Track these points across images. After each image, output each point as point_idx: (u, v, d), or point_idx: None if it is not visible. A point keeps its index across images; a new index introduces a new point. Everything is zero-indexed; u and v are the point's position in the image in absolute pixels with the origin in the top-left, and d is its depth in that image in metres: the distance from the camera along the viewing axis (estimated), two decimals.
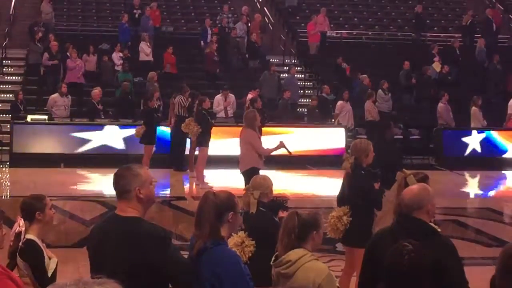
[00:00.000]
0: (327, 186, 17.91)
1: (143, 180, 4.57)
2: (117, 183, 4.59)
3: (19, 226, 5.65)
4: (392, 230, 4.93)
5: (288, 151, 12.78)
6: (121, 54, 23.27)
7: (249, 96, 19.82)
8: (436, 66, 24.53)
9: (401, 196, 5.05)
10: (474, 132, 21.46)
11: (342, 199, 8.43)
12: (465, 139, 21.34)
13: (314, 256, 4.86)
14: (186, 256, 4.77)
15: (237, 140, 12.84)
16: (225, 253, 4.67)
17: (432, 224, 4.99)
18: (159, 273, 4.39)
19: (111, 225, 4.61)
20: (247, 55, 25.22)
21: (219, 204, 4.67)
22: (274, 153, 12.96)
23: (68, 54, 22.23)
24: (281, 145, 12.44)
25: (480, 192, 18.98)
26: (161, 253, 4.40)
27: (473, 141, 21.34)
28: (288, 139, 16.83)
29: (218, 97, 20.89)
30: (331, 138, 20.73)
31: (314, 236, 4.91)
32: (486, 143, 21.38)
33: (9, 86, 23.50)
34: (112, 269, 4.34)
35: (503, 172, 20.47)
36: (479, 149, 21.32)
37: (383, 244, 4.61)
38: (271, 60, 25.29)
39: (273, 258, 4.97)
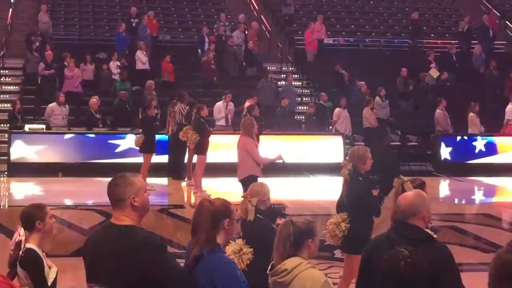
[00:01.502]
0: (325, 193, 17.92)
1: (137, 188, 4.56)
2: (112, 191, 4.58)
3: (19, 235, 5.65)
4: (388, 236, 4.94)
5: (283, 160, 12.81)
6: (118, 63, 23.30)
7: (247, 103, 19.84)
8: (434, 72, 24.57)
9: (396, 203, 5.07)
10: (472, 138, 21.50)
11: (341, 206, 8.43)
12: (462, 145, 21.37)
13: (310, 264, 4.86)
14: (182, 264, 4.78)
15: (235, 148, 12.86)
16: (221, 260, 4.67)
17: (428, 231, 5.00)
18: (154, 281, 4.39)
19: (106, 234, 4.60)
20: (244, 63, 25.24)
21: (215, 211, 4.68)
22: None
23: (65, 63, 22.24)
24: (279, 157, 12.46)
25: (478, 198, 18.99)
26: (157, 261, 4.39)
27: (471, 147, 21.37)
28: (286, 147, 16.87)
29: (219, 104, 20.87)
30: (328, 145, 20.75)
31: (309, 244, 4.90)
32: (483, 149, 21.41)
33: (7, 96, 23.52)
34: (108, 278, 4.36)
35: (500, 178, 20.47)
36: (476, 155, 21.35)
37: (379, 250, 4.62)
38: (268, 67, 25.32)
39: (269, 267, 4.97)
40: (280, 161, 12.70)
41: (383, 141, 14.29)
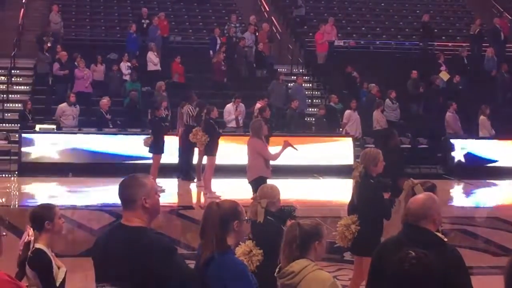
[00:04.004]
0: (334, 195, 17.92)
1: (148, 189, 4.54)
2: (123, 192, 4.55)
3: (28, 236, 5.65)
4: (399, 239, 4.92)
5: (294, 148, 12.82)
6: (129, 64, 23.33)
7: (258, 105, 19.84)
8: (444, 75, 24.52)
9: (407, 206, 5.04)
10: (483, 141, 21.43)
11: (352, 207, 8.41)
12: (473, 149, 21.31)
13: (317, 266, 4.84)
14: (192, 266, 4.77)
15: (245, 149, 12.85)
16: (232, 262, 4.66)
17: (438, 234, 4.98)
18: (164, 283, 4.37)
19: (116, 235, 4.58)
20: (254, 65, 25.23)
21: (223, 214, 4.67)
22: (282, 161, 13.00)
23: (76, 63, 22.29)
24: (286, 144, 12.47)
25: (488, 201, 18.92)
26: (166, 263, 4.37)
27: (481, 150, 21.32)
28: (295, 144, 16.82)
29: (229, 106, 20.88)
30: (338, 147, 20.72)
31: (316, 247, 4.88)
32: (494, 152, 21.35)
33: (18, 96, 23.57)
34: (117, 279, 4.34)
35: (511, 181, 20.40)
36: (487, 158, 21.29)
37: (389, 253, 4.59)
38: (278, 69, 25.30)
39: (276, 269, 4.95)
40: (292, 151, 12.73)
41: (389, 143, 14.24)
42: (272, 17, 28.93)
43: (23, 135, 19.18)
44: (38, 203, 6.02)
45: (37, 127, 19.60)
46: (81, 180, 18.39)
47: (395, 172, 12.73)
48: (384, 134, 17.42)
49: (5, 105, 23.05)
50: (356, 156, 18.78)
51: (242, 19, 27.86)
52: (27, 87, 24.17)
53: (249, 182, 12.34)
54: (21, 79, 24.78)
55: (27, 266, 5.59)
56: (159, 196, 4.67)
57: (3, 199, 16.48)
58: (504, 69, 25.05)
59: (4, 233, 4.54)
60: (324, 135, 21.07)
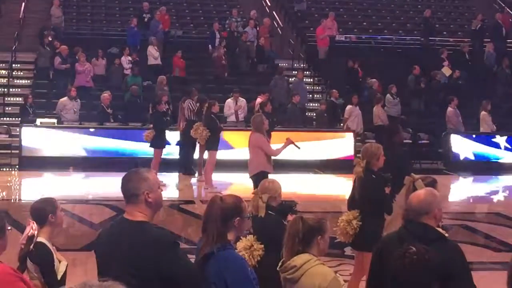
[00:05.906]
0: (335, 190, 17.91)
1: (151, 184, 4.54)
2: (125, 187, 4.55)
3: (32, 229, 5.65)
4: (399, 235, 4.92)
5: (297, 146, 12.80)
6: (130, 58, 23.30)
7: (258, 100, 19.81)
8: (446, 70, 24.49)
9: (408, 201, 5.05)
10: (483, 136, 21.43)
11: (352, 203, 8.40)
12: (474, 144, 21.30)
13: (319, 260, 4.85)
14: (193, 260, 4.77)
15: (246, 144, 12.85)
16: (231, 257, 4.66)
17: (439, 229, 4.97)
18: (166, 277, 4.37)
19: (118, 229, 4.59)
20: (255, 59, 25.21)
21: (226, 209, 4.67)
22: (283, 156, 12.98)
23: (77, 57, 22.28)
24: (289, 141, 12.46)
25: (489, 196, 18.92)
26: (169, 257, 4.37)
27: (482, 146, 21.31)
28: (296, 140, 16.80)
29: (229, 100, 20.87)
30: (340, 142, 20.70)
31: (319, 241, 4.88)
32: (495, 147, 21.34)
33: (19, 90, 23.55)
34: (119, 273, 4.34)
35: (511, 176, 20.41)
36: (488, 154, 21.29)
37: (390, 248, 4.60)
38: (280, 64, 25.27)
39: (279, 264, 4.96)
40: (294, 148, 12.70)
41: (394, 138, 14.19)
42: (273, 12, 28.91)
43: (24, 129, 19.18)
44: (39, 197, 6.03)
45: (38, 121, 19.60)
46: (82, 174, 18.40)
47: (401, 167, 12.71)
48: (388, 129, 17.40)
49: (6, 99, 23.04)
50: (357, 151, 18.77)
51: (243, 14, 27.83)
52: (28, 81, 24.16)
53: (250, 177, 12.34)
54: (22, 73, 24.77)
55: (28, 260, 5.59)
56: (162, 190, 4.67)
57: (4, 193, 16.48)
58: (505, 65, 25.03)
59: (9, 228, 4.54)
60: (325, 130, 21.07)
